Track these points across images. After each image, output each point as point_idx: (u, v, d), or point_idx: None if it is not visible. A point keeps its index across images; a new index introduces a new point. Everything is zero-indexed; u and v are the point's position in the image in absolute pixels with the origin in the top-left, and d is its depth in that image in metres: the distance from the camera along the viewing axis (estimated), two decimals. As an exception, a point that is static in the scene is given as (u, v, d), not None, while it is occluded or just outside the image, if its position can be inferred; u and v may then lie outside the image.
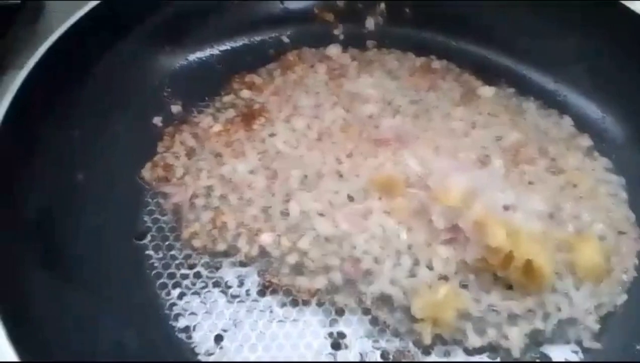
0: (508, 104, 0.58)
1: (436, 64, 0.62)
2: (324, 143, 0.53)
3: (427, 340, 0.41)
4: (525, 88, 0.59)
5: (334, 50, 0.63)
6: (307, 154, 0.52)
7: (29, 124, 0.43)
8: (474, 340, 0.42)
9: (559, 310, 0.43)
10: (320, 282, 0.44)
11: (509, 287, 0.44)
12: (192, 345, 0.40)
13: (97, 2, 0.50)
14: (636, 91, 0.55)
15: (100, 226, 0.44)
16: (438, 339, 0.42)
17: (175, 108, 0.54)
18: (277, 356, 0.40)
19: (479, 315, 0.42)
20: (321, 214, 0.47)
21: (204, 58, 0.58)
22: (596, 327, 0.43)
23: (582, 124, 0.56)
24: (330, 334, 0.42)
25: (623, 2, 0.55)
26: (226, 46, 0.60)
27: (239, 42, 0.61)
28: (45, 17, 0.69)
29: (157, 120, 0.53)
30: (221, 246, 0.46)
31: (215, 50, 0.59)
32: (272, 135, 0.53)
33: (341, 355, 0.40)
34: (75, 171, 0.45)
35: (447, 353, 0.41)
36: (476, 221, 0.45)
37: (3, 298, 0.33)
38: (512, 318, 0.43)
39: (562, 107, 0.57)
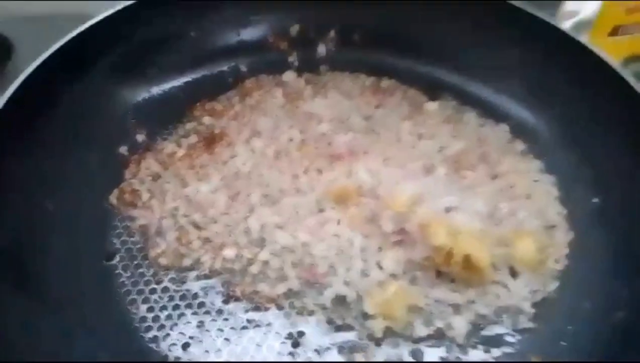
0: (451, 116, 0.63)
1: (385, 83, 0.67)
2: (282, 162, 0.57)
3: (379, 334, 0.45)
4: (466, 100, 0.64)
5: (289, 75, 0.67)
6: (266, 172, 0.56)
7: (3, 156, 0.46)
8: (421, 331, 0.45)
9: (498, 297, 0.48)
10: (280, 289, 0.48)
11: (452, 281, 0.48)
12: (162, 354, 0.43)
13: (63, 42, 0.53)
14: (564, 99, 0.60)
15: (71, 250, 0.47)
16: (389, 332, 0.45)
17: (140, 137, 0.58)
18: (242, 357, 0.43)
19: (425, 308, 0.47)
20: (280, 227, 0.51)
21: (166, 89, 0.62)
22: (531, 310, 0.47)
23: (518, 130, 0.61)
24: (290, 335, 0.45)
25: (554, 20, 0.60)
26: (187, 77, 0.64)
27: (199, 73, 0.65)
28: (13, 59, 0.73)
29: (123, 149, 0.56)
30: (186, 262, 0.49)
31: (176, 81, 0.63)
32: (232, 157, 0.57)
33: (301, 351, 0.44)
34: (45, 200, 0.48)
35: (396, 344, 0.45)
36: (420, 223, 0.49)
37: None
38: (456, 308, 0.47)
39: (499, 116, 0.62)
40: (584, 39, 0.67)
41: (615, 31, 0.72)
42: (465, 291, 0.48)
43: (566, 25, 0.75)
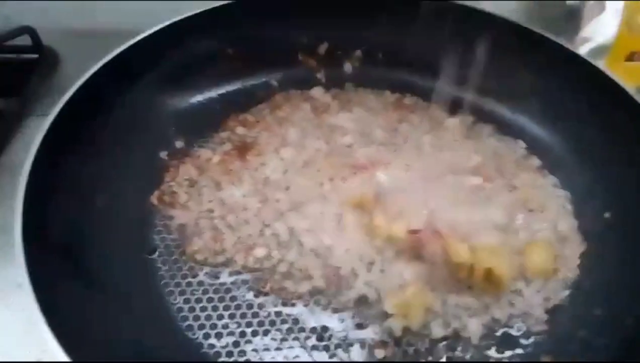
0: (470, 131, 0.67)
1: (407, 100, 0.71)
2: (309, 170, 0.61)
3: (398, 333, 0.48)
4: (483, 118, 0.67)
5: (317, 91, 0.72)
6: (294, 179, 0.60)
7: (56, 161, 0.50)
8: (438, 331, 0.48)
9: (512, 304, 0.51)
10: (305, 286, 0.51)
11: (470, 288, 0.51)
12: (197, 341, 0.47)
13: (111, 57, 0.58)
14: (579, 119, 0.63)
15: (117, 245, 0.51)
16: (407, 331, 0.48)
17: (179, 144, 0.62)
18: (270, 346, 0.47)
19: (442, 311, 0.50)
20: (306, 231, 0.55)
21: (204, 101, 0.67)
22: (544, 316, 0.50)
23: (533, 147, 0.64)
24: (314, 329, 0.48)
25: (571, 46, 0.64)
26: (223, 89, 0.68)
27: (233, 87, 0.69)
28: (61, 70, 0.78)
29: (164, 154, 0.61)
30: (220, 259, 0.53)
31: (213, 93, 0.67)
32: (263, 164, 0.61)
33: (324, 343, 0.47)
34: (95, 197, 0.53)
35: (414, 343, 0.48)
36: (439, 240, 0.52)
37: (45, 304, 0.40)
38: (471, 312, 0.50)
39: (516, 133, 0.66)
40: (600, 64, 0.71)
41: (631, 57, 0.75)
42: (482, 298, 0.51)
43: (583, 50, 0.79)
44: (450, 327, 0.49)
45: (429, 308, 0.49)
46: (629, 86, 0.59)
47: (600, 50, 0.79)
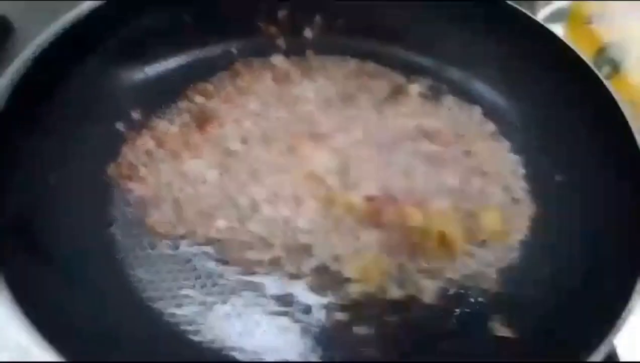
0: (429, 97, 0.67)
1: (368, 66, 0.71)
2: (268, 140, 0.61)
3: (357, 296, 0.50)
4: (442, 83, 0.68)
5: (277, 59, 0.71)
6: (254, 150, 0.60)
7: (8, 134, 0.49)
8: (394, 293, 0.50)
9: (465, 265, 0.53)
10: (266, 255, 0.52)
11: (424, 251, 0.53)
12: (158, 311, 0.48)
13: (63, 25, 0.56)
14: (534, 85, 0.64)
15: (74, 219, 0.51)
16: (365, 295, 0.50)
17: (136, 115, 0.61)
18: (231, 314, 0.48)
19: (398, 274, 0.51)
20: (267, 201, 0.56)
21: (161, 71, 0.65)
22: (495, 276, 0.52)
23: (490, 113, 0.65)
24: (275, 295, 0.50)
25: (530, 11, 0.64)
26: (180, 59, 0.67)
27: (191, 56, 0.68)
28: (14, 38, 0.75)
29: (120, 126, 0.60)
30: (181, 231, 0.53)
31: (171, 63, 0.66)
32: (223, 136, 0.61)
33: (286, 309, 0.49)
34: (48, 174, 0.52)
35: (372, 305, 0.49)
36: (395, 207, 0.53)
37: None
38: (426, 274, 0.51)
39: (473, 99, 0.67)
40: (559, 28, 0.71)
41: (590, 20, 0.77)
42: (435, 260, 0.52)
43: (543, 13, 0.80)
44: (406, 289, 0.50)
45: (386, 272, 0.51)
46: (586, 48, 0.61)
47: (560, 13, 0.81)
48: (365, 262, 0.51)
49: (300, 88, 0.67)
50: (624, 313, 0.40)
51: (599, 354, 0.38)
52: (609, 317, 0.40)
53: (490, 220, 0.55)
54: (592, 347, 0.39)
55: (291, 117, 0.63)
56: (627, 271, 0.43)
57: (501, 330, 0.48)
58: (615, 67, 0.75)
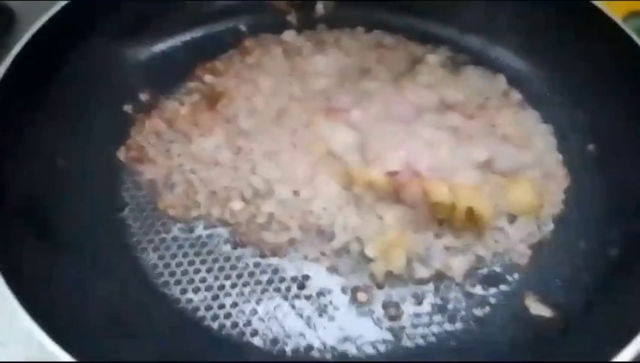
0: (450, 68, 0.64)
1: (384, 38, 0.67)
2: (282, 118, 0.58)
3: (380, 277, 0.47)
4: (463, 52, 0.65)
5: (288, 35, 0.68)
6: (266, 128, 0.57)
7: (11, 118, 0.47)
8: (421, 272, 0.47)
9: (496, 241, 0.50)
10: (284, 237, 0.50)
11: (451, 227, 0.50)
12: (174, 297, 0.45)
13: (62, 5, 0.54)
14: (560, 50, 0.60)
15: (84, 203, 0.49)
16: (389, 275, 0.47)
17: (144, 96, 0.59)
18: (250, 298, 0.45)
19: (424, 252, 0.48)
20: (282, 181, 0.53)
21: (167, 49, 0.62)
22: (528, 252, 0.49)
23: (515, 81, 0.61)
24: (295, 278, 0.47)
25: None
26: (187, 37, 0.64)
27: (199, 33, 0.65)
28: (17, 27, 0.73)
29: (128, 108, 0.57)
30: (194, 213, 0.51)
31: (177, 41, 0.63)
32: (234, 114, 0.58)
33: (306, 293, 0.46)
34: (56, 157, 0.50)
35: (397, 286, 0.47)
36: (418, 181, 0.50)
37: (6, 266, 0.38)
38: (454, 251, 0.49)
39: (496, 67, 0.63)
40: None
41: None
42: (464, 237, 0.49)
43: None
44: (433, 268, 0.48)
45: (410, 251, 0.48)
46: (614, 14, 0.57)
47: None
48: (388, 241, 0.48)
49: (313, 63, 0.64)
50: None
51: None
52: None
53: (521, 194, 0.52)
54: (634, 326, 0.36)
55: (305, 93, 0.60)
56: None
57: (537, 308, 0.45)
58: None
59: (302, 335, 0.44)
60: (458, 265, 0.48)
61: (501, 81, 0.62)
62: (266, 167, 0.54)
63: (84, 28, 0.56)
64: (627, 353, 0.34)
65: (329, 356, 0.43)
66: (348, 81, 0.62)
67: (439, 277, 0.47)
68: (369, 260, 0.48)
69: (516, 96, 0.61)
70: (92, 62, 0.56)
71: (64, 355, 0.34)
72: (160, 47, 0.62)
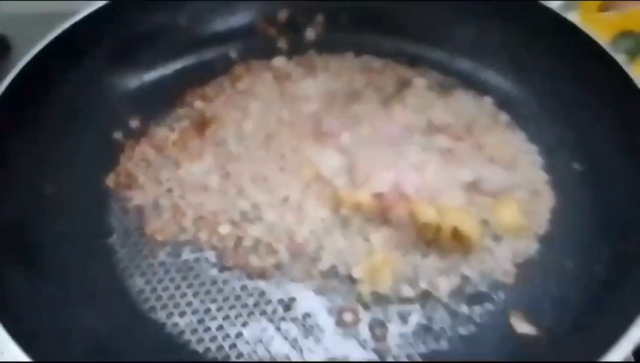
0: (438, 90, 0.65)
1: (373, 62, 0.69)
2: (271, 142, 0.59)
3: (367, 298, 0.47)
4: (451, 75, 0.66)
5: (279, 60, 0.69)
6: (255, 153, 0.58)
7: (1, 144, 0.48)
8: (407, 292, 0.47)
9: (482, 262, 0.50)
10: (270, 261, 0.50)
11: (438, 248, 0.50)
12: (160, 322, 0.45)
13: (55, 35, 0.55)
14: (547, 72, 0.61)
15: (70, 229, 0.49)
16: (376, 295, 0.47)
17: (134, 123, 0.60)
18: (235, 322, 0.45)
19: (411, 273, 0.48)
20: (270, 206, 0.53)
21: (157, 77, 0.64)
22: (514, 270, 0.49)
23: (502, 103, 0.62)
24: (282, 300, 0.47)
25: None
26: (177, 64, 0.65)
27: (189, 60, 0.66)
28: (13, 55, 0.75)
29: (118, 135, 0.58)
30: (182, 238, 0.51)
31: (167, 68, 0.65)
32: (223, 139, 0.59)
33: (292, 314, 0.46)
34: (44, 183, 0.51)
35: (384, 306, 0.47)
36: (406, 204, 0.51)
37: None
38: (441, 271, 0.48)
39: (484, 89, 0.64)
40: (573, 16, 0.69)
41: (603, 8, 0.74)
42: (450, 257, 0.49)
43: (555, 3, 0.76)
44: (419, 288, 0.48)
45: (397, 271, 0.48)
46: (601, 37, 0.58)
47: (573, 3, 0.78)
48: (374, 262, 0.48)
49: (303, 87, 0.65)
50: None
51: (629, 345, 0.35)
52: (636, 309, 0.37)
53: (508, 214, 0.52)
54: (619, 340, 0.36)
55: (294, 117, 0.61)
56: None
57: (523, 327, 0.44)
58: (631, 55, 0.73)
59: (287, 357, 0.44)
60: (444, 285, 0.48)
61: (489, 102, 0.63)
62: (254, 191, 0.54)
63: (76, 57, 0.57)
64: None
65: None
66: (337, 104, 0.63)
67: (425, 297, 0.47)
68: (355, 282, 0.48)
69: (504, 117, 0.62)
70: (83, 89, 0.57)
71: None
72: (150, 74, 0.63)
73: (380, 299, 0.47)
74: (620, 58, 0.70)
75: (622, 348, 0.36)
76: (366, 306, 0.47)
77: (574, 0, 0.75)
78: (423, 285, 0.48)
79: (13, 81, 0.51)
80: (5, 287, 0.40)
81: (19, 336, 0.36)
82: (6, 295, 0.40)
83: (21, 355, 0.35)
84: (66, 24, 0.56)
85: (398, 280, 0.48)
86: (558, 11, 0.62)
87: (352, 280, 0.48)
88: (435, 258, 0.49)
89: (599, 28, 0.71)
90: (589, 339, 0.39)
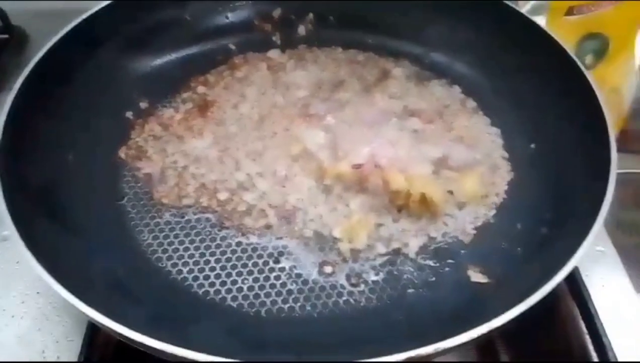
0: (414, 80, 0.73)
1: (358, 56, 0.77)
2: (265, 122, 0.66)
3: (347, 254, 0.54)
4: (426, 67, 0.74)
5: (273, 53, 0.77)
6: (250, 132, 0.65)
7: (28, 119, 0.55)
8: (381, 249, 0.55)
9: (446, 224, 0.57)
10: (261, 222, 0.57)
11: (409, 215, 0.58)
12: (166, 269, 0.53)
13: (71, 26, 0.63)
14: (508, 66, 0.69)
15: (89, 192, 0.56)
16: (354, 252, 0.55)
17: (143, 104, 0.67)
18: (231, 272, 0.53)
19: (385, 234, 0.56)
20: (262, 176, 0.61)
21: (164, 64, 0.71)
22: (473, 232, 0.57)
23: (469, 91, 0.70)
24: (271, 254, 0.54)
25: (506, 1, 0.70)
26: (183, 53, 0.73)
27: (193, 50, 0.74)
28: (30, 48, 0.83)
29: (129, 114, 0.66)
30: (186, 201, 0.58)
31: (173, 57, 0.72)
32: (222, 119, 0.67)
33: (280, 266, 0.54)
34: (66, 154, 0.58)
35: (359, 261, 0.54)
36: (380, 172, 0.58)
37: (26, 239, 0.45)
38: (410, 233, 0.56)
39: (454, 79, 0.72)
40: (541, 19, 0.76)
41: (570, 11, 0.81)
42: (418, 220, 0.57)
43: (526, 7, 0.84)
44: (391, 246, 0.55)
45: (372, 232, 0.56)
46: (567, 39, 0.65)
47: (541, 6, 0.85)
48: (351, 223, 0.56)
49: (293, 76, 0.73)
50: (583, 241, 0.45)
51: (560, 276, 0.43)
52: (567, 254, 0.45)
53: (470, 185, 0.59)
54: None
55: (285, 102, 0.69)
56: (585, 217, 0.47)
57: (476, 277, 0.52)
58: (597, 57, 0.80)
59: (274, 300, 0.51)
60: (413, 244, 0.55)
61: (458, 91, 0.71)
62: (249, 164, 0.62)
63: (91, 45, 0.65)
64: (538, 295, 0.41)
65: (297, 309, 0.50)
66: (324, 91, 0.70)
67: (396, 253, 0.55)
68: (335, 241, 0.55)
69: (471, 103, 0.69)
70: (99, 74, 0.64)
71: (79, 304, 0.41)
72: (158, 62, 0.71)
73: (357, 254, 0.54)
74: (587, 60, 0.79)
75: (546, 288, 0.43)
76: (344, 260, 0.54)
77: (543, 0, 0.82)
78: (394, 245, 0.55)
79: (37, 64, 0.58)
80: (40, 238, 0.47)
81: (55, 275, 0.43)
82: (42, 245, 0.46)
83: (60, 289, 0.42)
84: (84, 16, 0.64)
85: (373, 239, 0.56)
86: (528, 14, 0.70)
87: (333, 240, 0.55)
88: (406, 222, 0.57)
89: (566, 31, 0.79)
90: (527, 283, 0.46)
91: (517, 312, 0.41)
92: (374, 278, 0.53)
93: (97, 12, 0.65)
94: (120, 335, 0.39)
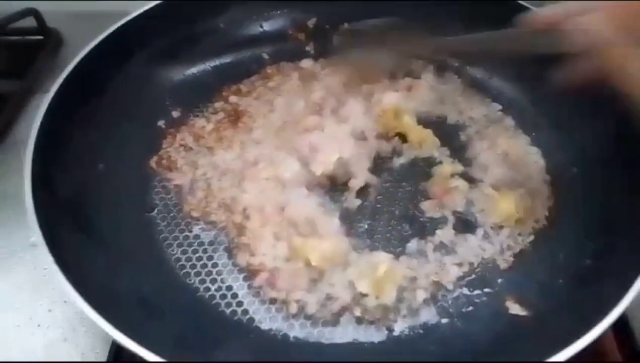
0: (458, 95, 0.71)
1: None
2: (285, 130, 0.64)
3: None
4: (468, 82, 0.72)
5: (307, 62, 0.75)
6: (272, 139, 0.63)
7: (61, 126, 0.55)
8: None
9: (484, 250, 0.55)
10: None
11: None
12: (194, 286, 0.52)
13: (107, 33, 0.62)
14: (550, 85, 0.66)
15: (119, 203, 0.56)
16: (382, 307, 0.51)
17: (176, 113, 0.67)
18: (259, 292, 0.52)
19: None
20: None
21: (198, 73, 0.71)
22: (511, 259, 0.54)
23: (508, 109, 0.68)
24: (300, 274, 0.53)
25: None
26: (216, 62, 0.72)
27: (227, 59, 0.73)
28: (65, 50, 0.83)
29: (161, 123, 0.65)
30: (213, 218, 0.57)
31: (207, 66, 0.72)
32: (252, 129, 0.65)
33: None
34: (97, 163, 0.58)
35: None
36: None
37: (53, 249, 0.44)
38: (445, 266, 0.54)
39: (493, 96, 0.70)
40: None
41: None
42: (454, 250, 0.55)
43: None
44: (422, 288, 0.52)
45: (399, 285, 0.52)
46: None
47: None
48: (378, 277, 0.51)
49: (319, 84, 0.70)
50: (628, 291, 0.42)
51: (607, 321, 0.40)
52: (614, 295, 0.42)
53: (507, 206, 0.57)
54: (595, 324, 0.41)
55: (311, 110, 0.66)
56: (632, 255, 0.45)
57: (514, 308, 0.50)
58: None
59: (303, 323, 0.50)
60: (452, 272, 0.53)
61: (496, 108, 0.68)
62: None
63: (126, 53, 0.64)
64: (582, 343, 0.39)
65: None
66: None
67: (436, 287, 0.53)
68: (362, 294, 0.51)
69: (510, 122, 0.67)
70: (133, 82, 0.64)
71: (104, 323, 0.40)
72: (192, 70, 0.71)
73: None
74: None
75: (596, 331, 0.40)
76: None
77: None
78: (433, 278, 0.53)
79: (72, 72, 0.58)
80: (67, 250, 0.46)
81: (80, 290, 0.42)
82: (69, 257, 0.45)
83: (84, 306, 0.41)
84: (119, 23, 0.63)
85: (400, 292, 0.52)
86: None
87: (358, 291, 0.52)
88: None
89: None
90: (571, 320, 0.44)
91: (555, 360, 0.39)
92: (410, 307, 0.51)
93: (131, 19, 0.65)
94: (143, 359, 0.39)
